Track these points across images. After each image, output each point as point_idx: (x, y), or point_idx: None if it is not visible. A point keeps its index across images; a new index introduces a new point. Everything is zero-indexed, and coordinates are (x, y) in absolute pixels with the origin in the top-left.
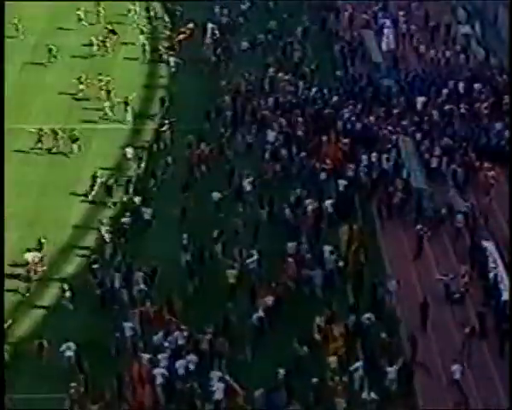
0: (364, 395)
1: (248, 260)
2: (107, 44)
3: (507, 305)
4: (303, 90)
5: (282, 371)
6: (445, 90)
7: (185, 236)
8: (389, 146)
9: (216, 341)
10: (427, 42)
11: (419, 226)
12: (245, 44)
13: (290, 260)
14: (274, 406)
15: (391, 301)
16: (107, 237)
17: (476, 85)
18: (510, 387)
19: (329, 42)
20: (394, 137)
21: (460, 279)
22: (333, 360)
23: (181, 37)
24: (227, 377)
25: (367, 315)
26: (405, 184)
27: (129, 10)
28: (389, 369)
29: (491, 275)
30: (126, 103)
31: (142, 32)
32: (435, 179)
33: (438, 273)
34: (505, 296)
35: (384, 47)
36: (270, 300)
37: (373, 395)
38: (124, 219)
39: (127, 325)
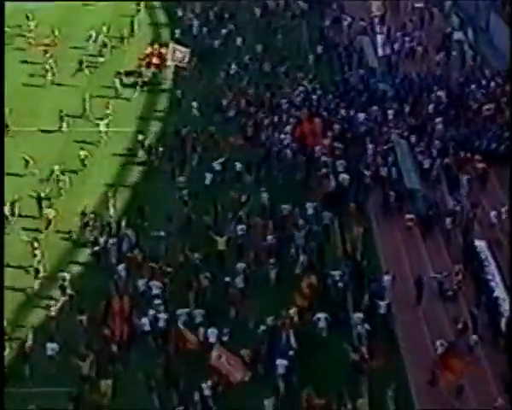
0: (359, 328)
1: (239, 228)
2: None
3: (498, 301)
4: (302, 93)
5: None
6: (438, 94)
7: (185, 192)
8: (384, 147)
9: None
10: (421, 47)
11: (409, 216)
12: (234, 67)
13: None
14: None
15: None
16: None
17: (468, 90)
18: (510, 387)
19: (328, 49)
20: (389, 138)
21: (453, 277)
22: (293, 311)
23: (152, 59)
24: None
25: (337, 272)
26: (400, 185)
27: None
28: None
29: (483, 273)
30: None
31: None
32: (428, 180)
33: (432, 271)
34: (496, 293)
35: (380, 52)
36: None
37: (366, 326)
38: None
39: (121, 267)
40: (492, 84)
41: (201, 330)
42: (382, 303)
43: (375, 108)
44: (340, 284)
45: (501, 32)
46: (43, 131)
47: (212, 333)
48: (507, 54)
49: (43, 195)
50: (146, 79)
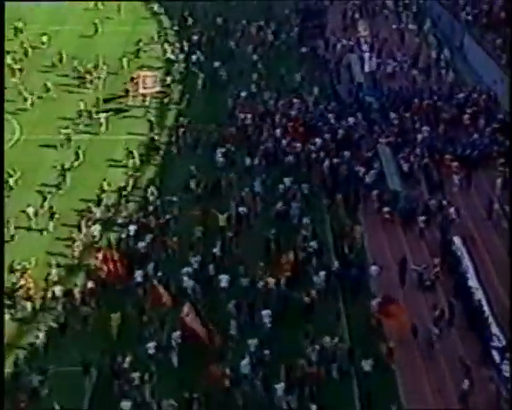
0: (315, 279)
1: (240, 209)
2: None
3: (471, 290)
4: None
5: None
6: (418, 105)
7: (193, 167)
8: (370, 154)
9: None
10: (403, 63)
11: (386, 210)
12: (244, 94)
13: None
14: None
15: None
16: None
17: (443, 103)
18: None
19: (320, 67)
20: (375, 145)
21: (432, 269)
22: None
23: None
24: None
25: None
26: (383, 186)
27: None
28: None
29: (459, 265)
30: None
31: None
32: (408, 182)
33: (412, 264)
34: (470, 283)
35: (366, 69)
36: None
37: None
38: None
39: (132, 227)
40: (473, 96)
41: (210, 267)
42: (336, 263)
43: (362, 118)
44: (311, 250)
45: (474, 51)
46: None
47: (224, 278)
48: (479, 71)
49: (66, 166)
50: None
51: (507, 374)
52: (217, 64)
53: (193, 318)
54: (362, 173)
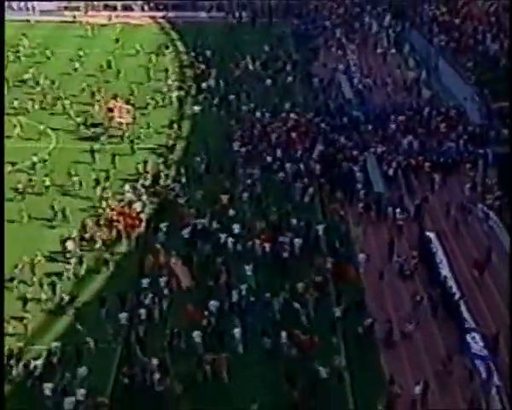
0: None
1: (244, 195)
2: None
3: (446, 279)
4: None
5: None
6: (400, 118)
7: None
8: (358, 161)
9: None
10: (385, 82)
11: (360, 205)
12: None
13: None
14: None
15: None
16: None
17: (421, 116)
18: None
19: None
20: (362, 153)
21: (411, 260)
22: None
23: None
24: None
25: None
26: (369, 189)
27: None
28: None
29: (434, 257)
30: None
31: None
32: (391, 186)
33: (394, 255)
34: (444, 273)
35: (355, 87)
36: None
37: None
38: None
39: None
40: (446, 111)
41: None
42: (320, 227)
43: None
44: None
45: (447, 72)
46: None
47: (236, 228)
48: (452, 89)
49: (95, 147)
50: (109, 133)
51: (477, 352)
52: (231, 97)
53: (178, 265)
54: (353, 174)
